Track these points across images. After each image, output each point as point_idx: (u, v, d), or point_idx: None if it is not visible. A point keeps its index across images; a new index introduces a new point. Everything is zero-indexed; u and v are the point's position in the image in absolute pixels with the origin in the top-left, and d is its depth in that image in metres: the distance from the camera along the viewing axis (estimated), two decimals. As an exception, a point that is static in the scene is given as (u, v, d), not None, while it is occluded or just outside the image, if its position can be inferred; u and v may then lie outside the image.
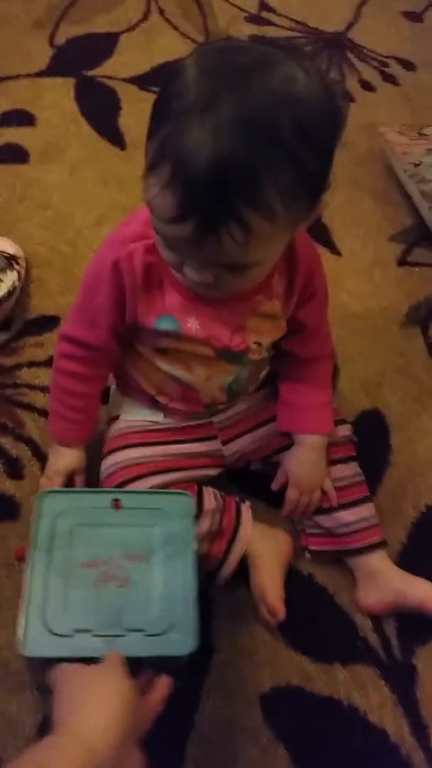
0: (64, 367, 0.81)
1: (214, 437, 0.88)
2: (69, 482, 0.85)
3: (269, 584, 0.81)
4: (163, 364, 0.79)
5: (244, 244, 0.56)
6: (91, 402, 0.85)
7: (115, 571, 0.70)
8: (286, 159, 0.54)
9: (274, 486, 0.89)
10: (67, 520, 0.72)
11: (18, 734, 0.75)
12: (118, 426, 0.87)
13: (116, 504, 0.75)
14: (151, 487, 0.81)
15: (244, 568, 0.83)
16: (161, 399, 0.84)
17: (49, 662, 0.64)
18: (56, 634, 0.66)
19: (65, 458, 0.85)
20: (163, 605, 0.69)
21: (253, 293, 0.73)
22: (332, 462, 0.87)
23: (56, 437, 0.85)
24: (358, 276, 1.18)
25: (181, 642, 0.68)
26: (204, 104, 0.52)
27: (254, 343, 0.77)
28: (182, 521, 0.74)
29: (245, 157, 0.52)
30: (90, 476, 0.86)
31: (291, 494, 0.86)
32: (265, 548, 0.83)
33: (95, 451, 0.87)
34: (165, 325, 0.73)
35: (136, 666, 0.65)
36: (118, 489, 0.80)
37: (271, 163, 0.53)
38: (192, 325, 0.73)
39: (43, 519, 0.72)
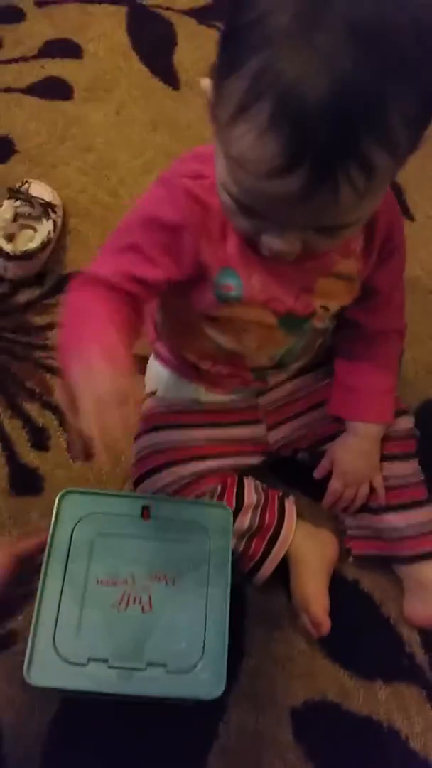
0: (80, 293, 0.60)
1: (259, 422, 0.80)
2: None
3: (314, 593, 0.73)
4: (212, 331, 0.69)
5: (364, 191, 0.46)
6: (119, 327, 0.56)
7: (138, 592, 0.62)
8: (411, 79, 0.43)
9: (317, 474, 0.80)
10: (88, 528, 0.64)
11: (30, 723, 0.70)
12: (154, 403, 0.79)
13: (145, 513, 0.66)
14: (188, 475, 0.73)
15: (282, 567, 0.76)
16: (203, 364, 0.75)
17: (58, 692, 0.57)
18: (67, 662, 0.58)
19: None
20: (191, 638, 0.61)
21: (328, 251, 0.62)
22: (388, 458, 0.78)
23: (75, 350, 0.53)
24: (433, 246, 1.06)
25: (209, 683, 0.59)
26: (309, 21, 0.41)
27: (321, 307, 0.66)
28: (219, 539, 0.65)
29: (371, 79, 0.42)
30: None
31: (334, 485, 0.78)
32: (309, 551, 0.75)
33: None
34: (228, 280, 0.62)
35: (153, 703, 0.59)
36: (148, 495, 0.71)
37: (398, 84, 0.43)
38: (255, 283, 0.62)
39: (61, 524, 0.64)
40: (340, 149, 0.43)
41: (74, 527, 0.64)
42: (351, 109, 0.42)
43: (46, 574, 0.62)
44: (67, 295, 0.60)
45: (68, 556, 0.62)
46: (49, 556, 0.62)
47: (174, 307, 0.72)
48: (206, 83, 0.50)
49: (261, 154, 0.45)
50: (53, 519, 0.64)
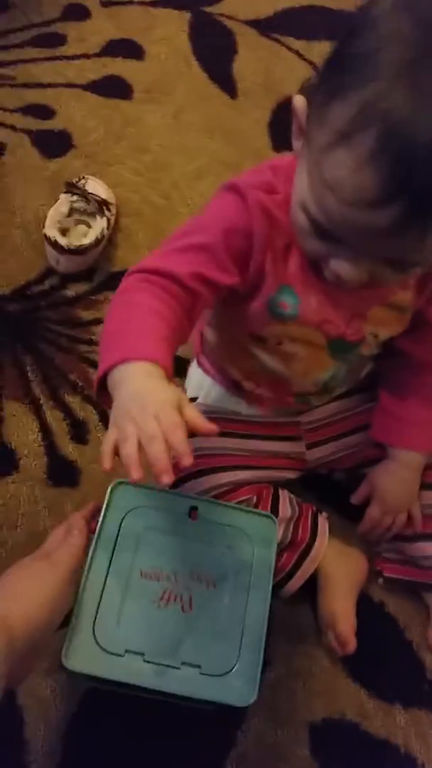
0: (141, 282, 0.56)
1: (298, 438, 0.80)
2: None
3: (342, 612, 0.74)
4: (259, 352, 0.69)
5: None
6: (168, 323, 0.54)
7: (180, 591, 0.62)
8: None
9: (355, 499, 0.80)
10: (137, 521, 0.64)
11: (50, 717, 0.70)
12: (195, 408, 0.79)
13: (193, 513, 0.66)
14: (226, 483, 0.73)
15: (308, 582, 0.76)
16: (247, 385, 0.75)
17: (92, 680, 0.57)
18: (104, 651, 0.58)
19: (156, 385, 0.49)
20: (228, 643, 0.61)
21: None
22: (427, 486, 0.78)
23: (120, 357, 0.50)
24: None
25: (241, 691, 0.59)
26: (428, 61, 0.42)
27: (371, 334, 0.66)
28: (263, 550, 0.65)
29: None
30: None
31: (373, 511, 0.78)
32: (339, 569, 0.76)
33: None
34: (285, 298, 0.62)
35: (178, 703, 0.59)
36: (198, 496, 0.70)
37: None
38: (312, 304, 0.62)
39: (111, 512, 0.64)
40: None
41: (123, 518, 0.64)
42: None
43: (92, 560, 0.62)
44: (126, 282, 0.57)
45: (115, 546, 0.62)
46: (96, 544, 0.62)
47: (223, 324, 0.72)
48: (300, 100, 0.50)
49: (357, 184, 0.45)
50: (104, 507, 0.64)
